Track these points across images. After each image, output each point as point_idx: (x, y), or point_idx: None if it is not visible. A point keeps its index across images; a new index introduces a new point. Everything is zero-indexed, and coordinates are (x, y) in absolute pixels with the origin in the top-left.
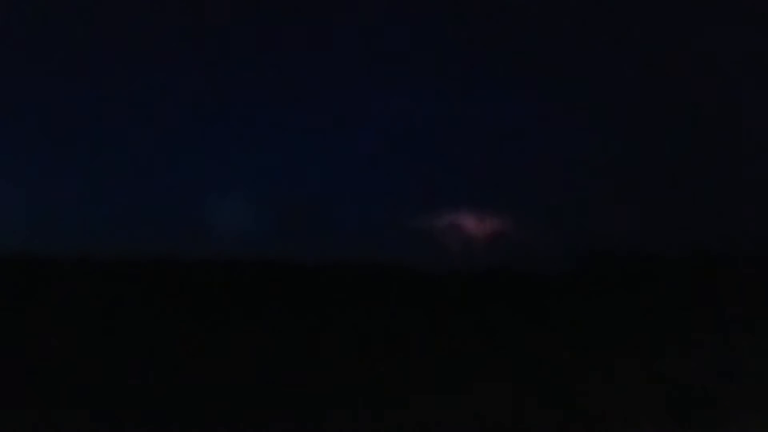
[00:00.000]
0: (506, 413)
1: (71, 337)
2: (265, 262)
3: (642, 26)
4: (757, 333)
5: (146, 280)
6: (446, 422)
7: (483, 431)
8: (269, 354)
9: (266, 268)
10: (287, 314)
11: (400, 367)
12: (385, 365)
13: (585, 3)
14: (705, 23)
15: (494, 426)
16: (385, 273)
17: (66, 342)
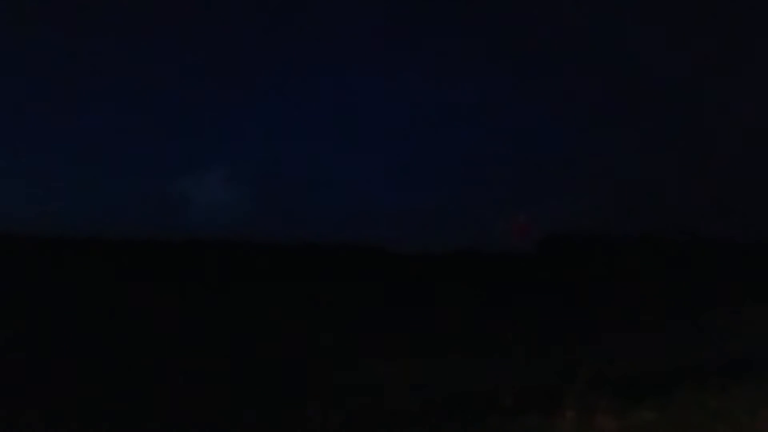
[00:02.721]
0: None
1: (54, 313)
2: (248, 243)
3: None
4: (708, 309)
5: (128, 259)
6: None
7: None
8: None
9: (250, 248)
10: (280, 294)
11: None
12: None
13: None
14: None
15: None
16: (366, 253)
17: (50, 317)
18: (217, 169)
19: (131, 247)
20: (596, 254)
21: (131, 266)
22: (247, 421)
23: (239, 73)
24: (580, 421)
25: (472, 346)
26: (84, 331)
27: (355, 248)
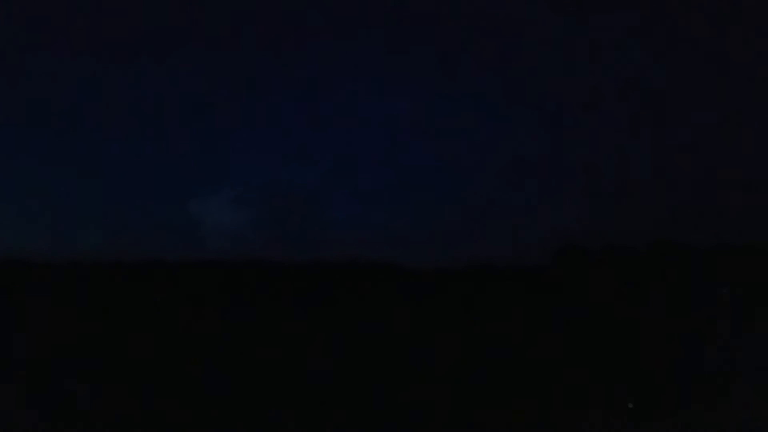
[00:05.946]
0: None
1: (58, 336)
2: (256, 262)
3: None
4: (721, 317)
5: (137, 281)
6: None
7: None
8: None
9: (258, 268)
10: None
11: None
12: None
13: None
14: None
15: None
16: (374, 269)
17: (53, 341)
18: (224, 192)
19: (143, 268)
20: (609, 263)
21: (143, 287)
22: None
23: (244, 99)
24: None
25: (483, 361)
26: (96, 348)
27: (360, 265)
